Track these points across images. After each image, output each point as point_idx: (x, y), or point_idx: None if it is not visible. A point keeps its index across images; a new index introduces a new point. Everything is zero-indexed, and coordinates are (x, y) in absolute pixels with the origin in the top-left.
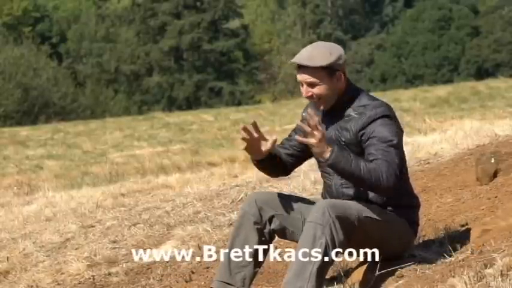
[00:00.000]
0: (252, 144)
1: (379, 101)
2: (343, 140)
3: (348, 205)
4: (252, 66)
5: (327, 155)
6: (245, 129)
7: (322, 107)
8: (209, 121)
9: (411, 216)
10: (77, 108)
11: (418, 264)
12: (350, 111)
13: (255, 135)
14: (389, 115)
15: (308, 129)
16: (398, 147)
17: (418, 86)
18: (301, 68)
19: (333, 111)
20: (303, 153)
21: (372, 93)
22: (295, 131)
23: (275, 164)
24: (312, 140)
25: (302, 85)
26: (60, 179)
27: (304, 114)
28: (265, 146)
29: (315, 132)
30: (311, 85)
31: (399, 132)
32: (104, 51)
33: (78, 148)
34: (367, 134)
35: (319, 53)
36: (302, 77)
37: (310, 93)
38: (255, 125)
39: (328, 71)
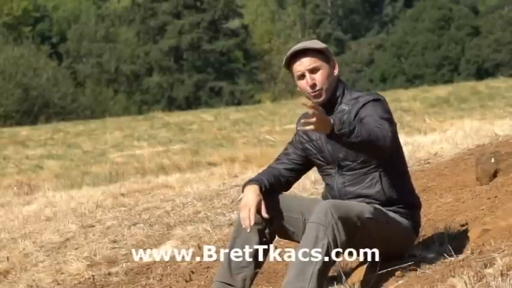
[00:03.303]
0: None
1: (370, 92)
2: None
3: (351, 206)
4: (252, 66)
5: (329, 127)
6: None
7: (322, 98)
8: (209, 121)
9: (413, 216)
10: (77, 108)
11: (418, 264)
12: (342, 106)
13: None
14: (380, 99)
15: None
16: (391, 122)
17: (418, 86)
18: (300, 56)
19: (326, 108)
20: (303, 165)
21: None
22: (292, 144)
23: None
24: (312, 120)
25: (302, 77)
26: (60, 179)
27: (298, 127)
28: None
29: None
30: (313, 71)
31: (392, 116)
32: (104, 51)
33: (78, 148)
34: (360, 117)
35: (312, 41)
36: (302, 65)
37: (314, 81)
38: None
39: (325, 57)
